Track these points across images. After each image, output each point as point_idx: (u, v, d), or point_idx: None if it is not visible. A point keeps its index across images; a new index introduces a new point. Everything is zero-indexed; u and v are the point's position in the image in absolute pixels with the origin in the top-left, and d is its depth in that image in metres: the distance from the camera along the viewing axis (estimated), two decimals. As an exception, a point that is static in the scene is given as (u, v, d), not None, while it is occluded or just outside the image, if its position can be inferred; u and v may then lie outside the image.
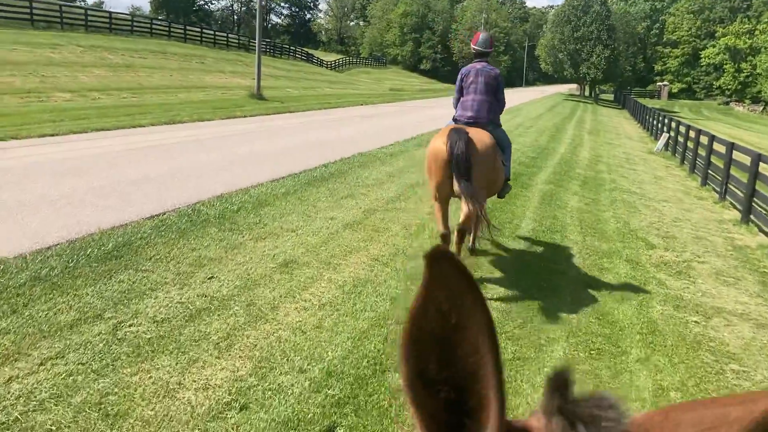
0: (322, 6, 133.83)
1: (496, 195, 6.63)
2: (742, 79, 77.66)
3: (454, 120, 6.40)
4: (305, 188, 9.61)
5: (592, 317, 5.55)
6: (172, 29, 44.83)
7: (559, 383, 0.49)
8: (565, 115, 35.65)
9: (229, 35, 54.01)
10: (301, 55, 66.09)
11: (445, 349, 0.47)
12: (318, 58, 70.84)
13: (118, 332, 4.34)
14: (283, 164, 11.38)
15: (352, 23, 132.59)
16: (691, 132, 18.47)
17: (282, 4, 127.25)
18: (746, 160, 13.03)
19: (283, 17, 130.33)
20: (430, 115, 27.04)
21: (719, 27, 79.96)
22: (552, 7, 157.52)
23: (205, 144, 13.48)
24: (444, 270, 0.46)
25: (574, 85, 78.71)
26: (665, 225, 9.98)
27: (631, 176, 14.97)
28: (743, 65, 76.57)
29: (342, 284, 5.74)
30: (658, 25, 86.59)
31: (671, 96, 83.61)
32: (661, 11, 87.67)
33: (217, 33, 52.37)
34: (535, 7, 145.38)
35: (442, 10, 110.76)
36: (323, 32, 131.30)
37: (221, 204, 8.11)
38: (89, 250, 5.89)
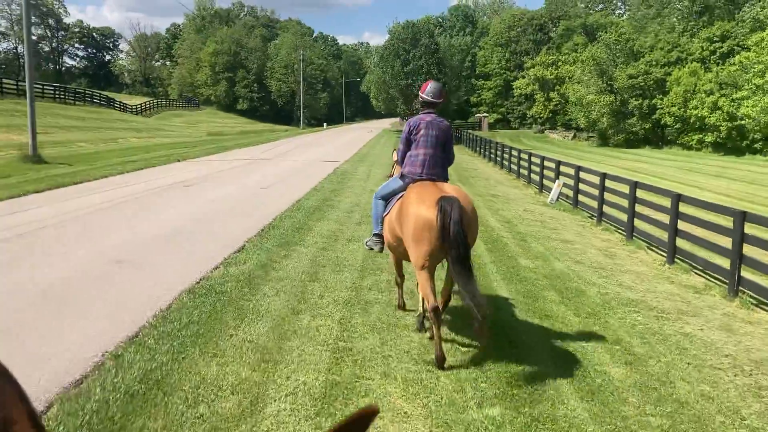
0: (123, 46, 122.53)
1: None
2: (552, 107, 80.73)
3: (403, 176, 5.96)
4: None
5: None
6: None
7: None
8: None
9: (3, 80, 44.40)
10: (100, 100, 57.61)
11: None
12: (121, 102, 62.84)
13: None
14: None
15: (157, 63, 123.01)
16: (607, 181, 14.74)
17: (76, 45, 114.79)
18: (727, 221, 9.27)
19: (78, 59, 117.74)
20: (276, 172, 21.51)
21: (527, 59, 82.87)
22: (362, 44, 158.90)
23: None
24: None
25: (396, 119, 76.81)
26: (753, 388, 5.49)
27: (585, 260, 10.52)
28: (552, 94, 79.63)
29: None
30: (470, 58, 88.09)
31: (490, 126, 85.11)
32: (471, 45, 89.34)
33: (-16, 78, 42.76)
34: (346, 45, 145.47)
35: (255, 48, 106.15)
36: (126, 74, 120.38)
37: None
38: None
